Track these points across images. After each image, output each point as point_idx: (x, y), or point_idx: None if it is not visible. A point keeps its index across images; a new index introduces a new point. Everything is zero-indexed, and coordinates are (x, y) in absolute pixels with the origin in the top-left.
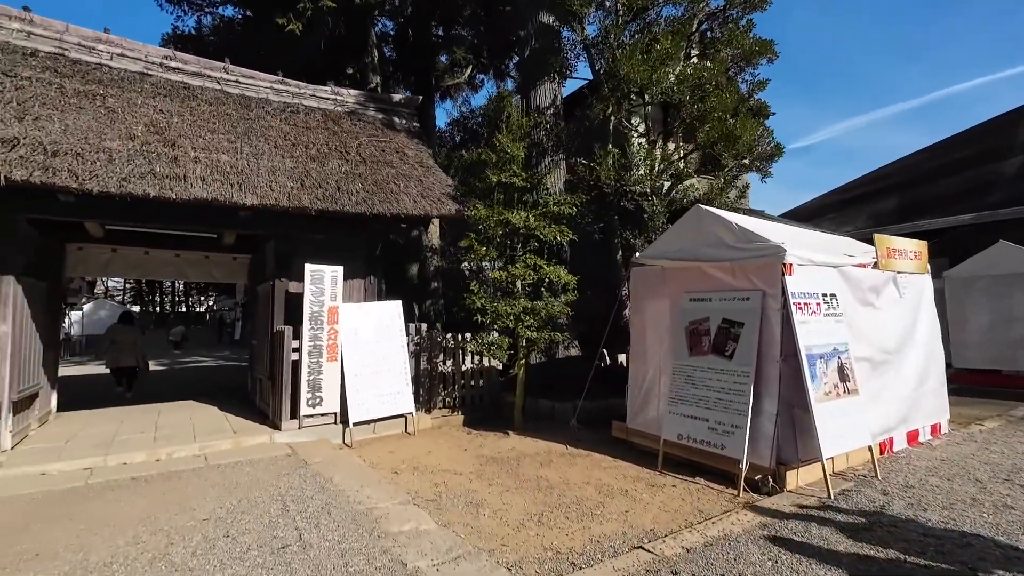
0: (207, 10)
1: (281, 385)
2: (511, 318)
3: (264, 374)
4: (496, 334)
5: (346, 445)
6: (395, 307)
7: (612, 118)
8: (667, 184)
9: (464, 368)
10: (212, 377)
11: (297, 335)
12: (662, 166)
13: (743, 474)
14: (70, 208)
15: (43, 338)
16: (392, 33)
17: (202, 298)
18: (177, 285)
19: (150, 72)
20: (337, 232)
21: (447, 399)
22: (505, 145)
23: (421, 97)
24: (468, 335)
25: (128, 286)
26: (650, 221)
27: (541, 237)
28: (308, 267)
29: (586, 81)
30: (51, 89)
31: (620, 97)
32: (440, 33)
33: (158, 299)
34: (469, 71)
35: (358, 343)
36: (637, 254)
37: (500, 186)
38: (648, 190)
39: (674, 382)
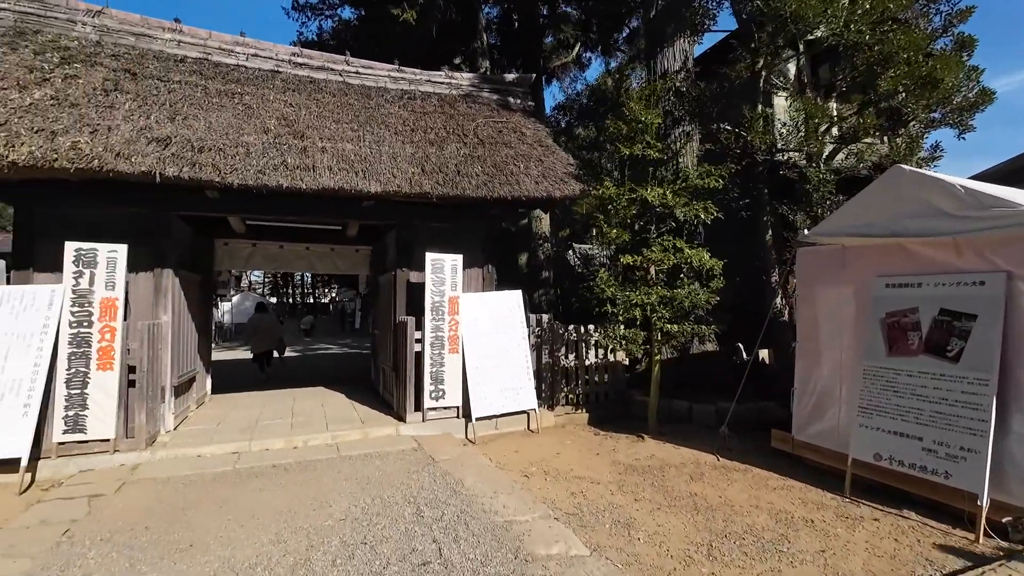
0: (327, 14)
1: (405, 377)
2: (646, 309)
3: (387, 364)
4: (623, 326)
5: (469, 441)
6: (515, 297)
7: (762, 73)
8: (829, 148)
9: (588, 363)
10: (338, 364)
11: (419, 326)
12: (825, 125)
13: (983, 513)
14: (215, 204)
15: (198, 326)
16: (497, 20)
17: (326, 290)
18: (305, 278)
19: (280, 69)
20: (456, 219)
21: (570, 395)
22: (637, 113)
23: (534, 75)
24: (592, 327)
25: (267, 280)
26: (814, 192)
27: (680, 216)
28: (428, 256)
29: (724, 35)
30: (197, 90)
31: (778, 46)
32: (545, 13)
33: (290, 291)
34: (576, 50)
35: (478, 335)
36: (805, 231)
37: (630, 161)
38: (809, 156)
39: (866, 388)
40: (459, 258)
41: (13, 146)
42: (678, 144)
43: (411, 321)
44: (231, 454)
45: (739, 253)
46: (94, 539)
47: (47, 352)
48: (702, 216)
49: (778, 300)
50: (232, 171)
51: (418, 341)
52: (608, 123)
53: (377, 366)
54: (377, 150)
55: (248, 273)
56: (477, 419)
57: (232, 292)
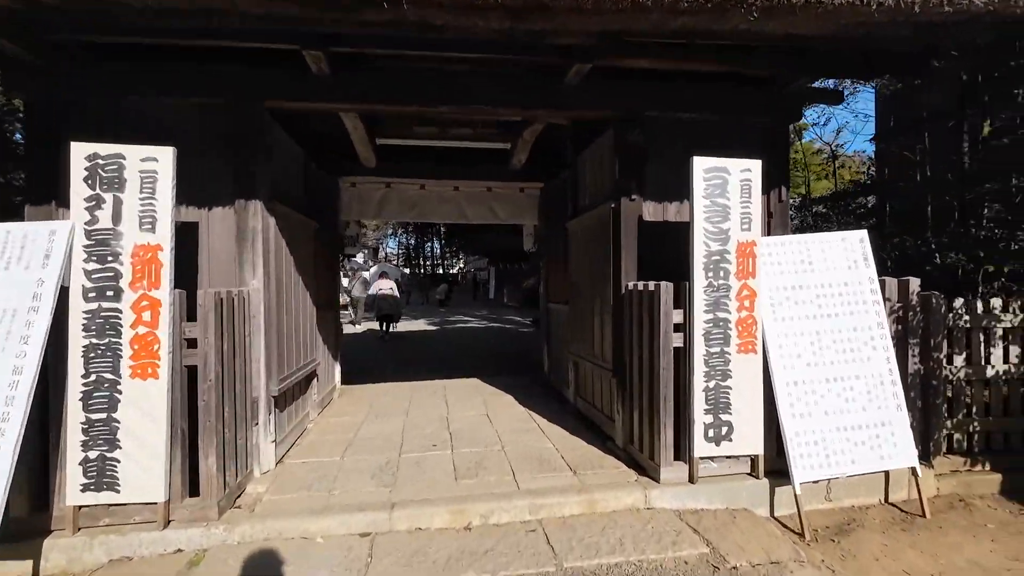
0: None
1: (652, 396)
2: None
3: (595, 360)
4: None
5: (792, 532)
6: (855, 244)
7: None
8: None
9: (990, 372)
10: (484, 342)
11: (677, 300)
12: None
13: None
14: (323, 87)
15: (316, 297)
16: None
17: (454, 260)
18: (435, 250)
19: None
20: (723, 105)
21: (954, 434)
22: None
23: None
24: (997, 301)
25: (399, 252)
26: None
27: None
28: (698, 163)
29: None
30: None
31: None
32: None
33: (421, 262)
34: None
35: (793, 318)
36: None
37: None
38: None
39: None
40: (754, 166)
41: None
42: None
43: (667, 290)
44: (359, 538)
45: None
46: None
47: (35, 342)
48: None
49: None
50: None
51: (677, 328)
52: None
53: (558, 356)
54: None
55: (384, 245)
56: (802, 484)
57: (369, 263)
